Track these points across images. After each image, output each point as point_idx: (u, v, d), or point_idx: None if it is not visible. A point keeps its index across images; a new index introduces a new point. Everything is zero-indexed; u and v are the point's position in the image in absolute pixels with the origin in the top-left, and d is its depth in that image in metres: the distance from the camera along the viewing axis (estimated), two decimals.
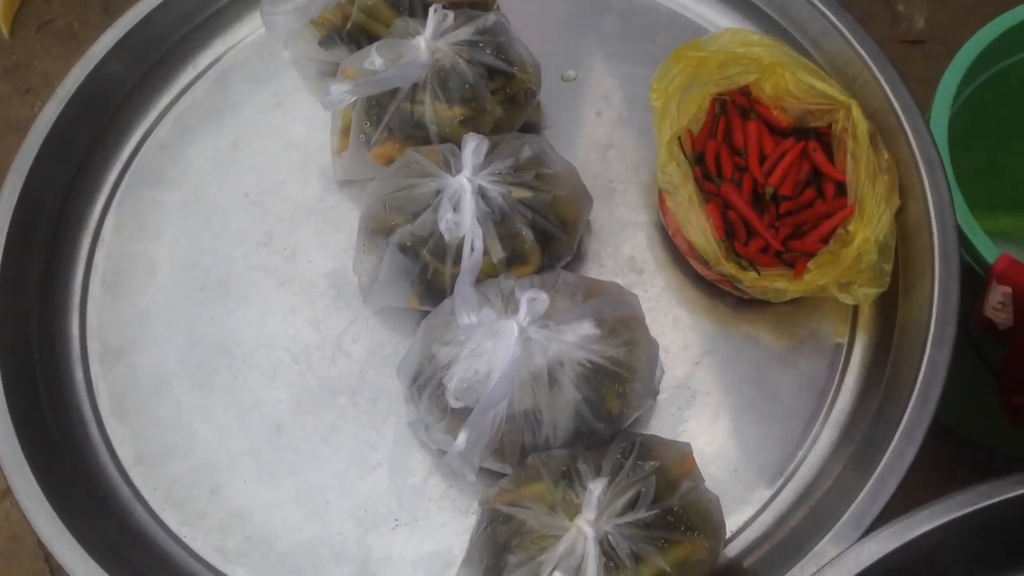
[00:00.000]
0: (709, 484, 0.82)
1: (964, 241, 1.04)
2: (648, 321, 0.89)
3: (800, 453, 0.85)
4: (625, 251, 0.95)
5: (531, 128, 1.01)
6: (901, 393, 0.82)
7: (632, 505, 0.73)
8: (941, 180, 0.89)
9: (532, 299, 0.78)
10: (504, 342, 0.76)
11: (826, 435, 0.86)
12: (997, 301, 1.02)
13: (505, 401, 0.75)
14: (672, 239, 0.93)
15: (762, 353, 0.90)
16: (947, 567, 0.74)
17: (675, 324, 0.92)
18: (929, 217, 0.87)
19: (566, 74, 1.05)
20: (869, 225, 0.87)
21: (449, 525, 0.84)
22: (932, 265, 0.86)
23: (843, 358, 0.89)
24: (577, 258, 0.94)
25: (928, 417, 0.79)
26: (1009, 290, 1.01)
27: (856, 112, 0.90)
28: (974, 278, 1.06)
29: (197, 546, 0.84)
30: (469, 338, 0.78)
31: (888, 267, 0.86)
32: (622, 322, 0.81)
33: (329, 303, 0.94)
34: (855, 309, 0.91)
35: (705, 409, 0.88)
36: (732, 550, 0.82)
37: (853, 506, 0.77)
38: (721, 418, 0.87)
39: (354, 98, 0.88)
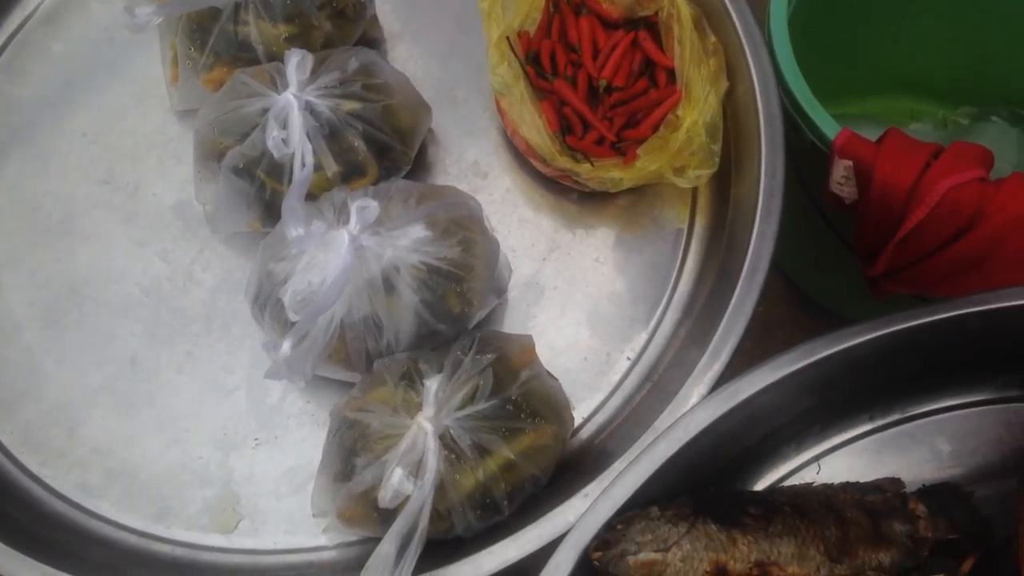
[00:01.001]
0: (560, 374, 0.84)
1: (807, 120, 1.06)
2: (494, 223, 0.91)
3: (645, 336, 0.88)
4: (469, 157, 0.96)
5: (371, 42, 1.01)
6: (734, 267, 0.84)
7: (471, 398, 0.75)
8: (765, 61, 0.90)
9: (362, 208, 0.78)
10: (335, 251, 0.77)
11: (670, 316, 0.89)
12: (840, 176, 1.05)
13: (335, 308, 0.76)
14: (511, 140, 0.94)
15: (607, 244, 0.92)
16: (780, 427, 0.77)
17: (521, 223, 0.93)
18: (755, 96, 0.89)
19: None
20: (696, 108, 0.88)
21: (308, 439, 0.85)
22: (759, 142, 0.88)
23: (684, 241, 0.92)
24: (422, 167, 0.95)
25: (757, 288, 0.82)
26: (851, 163, 1.03)
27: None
28: (821, 156, 1.09)
29: (59, 484, 0.85)
30: (303, 252, 0.78)
31: (717, 147, 0.88)
32: (456, 223, 0.82)
33: (176, 234, 0.94)
34: (694, 193, 0.94)
35: (553, 303, 0.90)
36: (585, 433, 0.85)
37: (689, 378, 0.79)
38: (569, 310, 0.89)
39: (160, 19, 0.87)
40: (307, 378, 0.77)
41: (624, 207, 0.94)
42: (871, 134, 1.45)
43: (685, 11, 0.91)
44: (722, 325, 0.80)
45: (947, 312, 0.73)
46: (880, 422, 0.78)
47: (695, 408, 0.73)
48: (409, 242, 0.79)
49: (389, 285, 0.78)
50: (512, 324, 0.89)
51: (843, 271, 1.20)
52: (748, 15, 0.92)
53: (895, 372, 0.76)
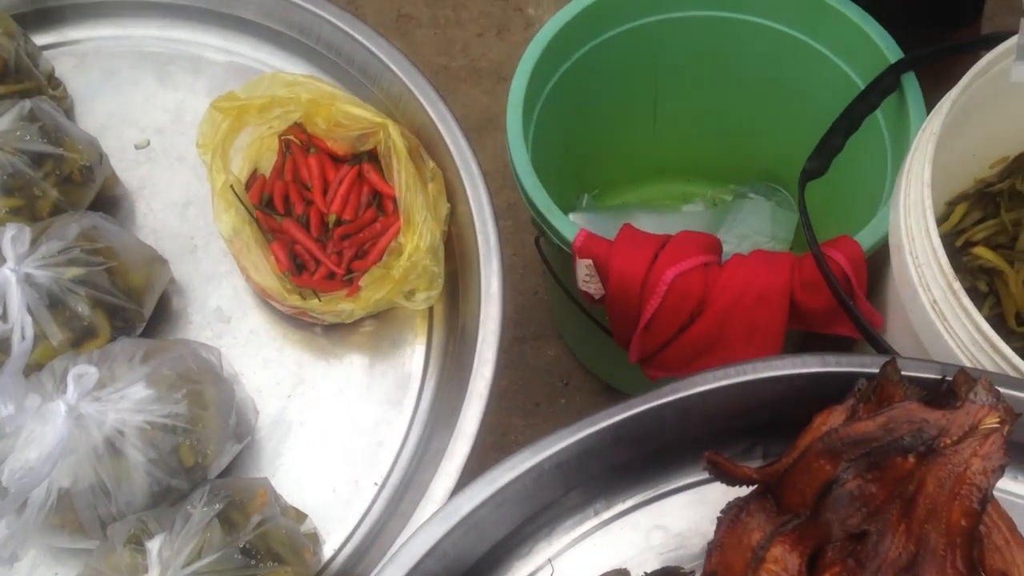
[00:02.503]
0: (310, 509, 0.85)
1: (549, 226, 1.12)
2: (239, 366, 0.93)
3: (390, 459, 0.90)
4: (212, 303, 0.98)
5: (111, 201, 1.03)
6: (464, 378, 0.88)
7: (199, 553, 0.76)
8: (479, 181, 0.95)
9: (79, 375, 0.79)
10: (51, 424, 0.77)
11: (414, 435, 0.91)
12: (585, 274, 1.11)
13: (53, 481, 0.76)
14: (248, 282, 0.97)
15: (354, 372, 0.95)
16: (508, 536, 0.80)
17: (266, 363, 0.95)
18: (472, 216, 0.94)
19: (138, 142, 1.07)
20: (416, 234, 0.92)
21: None
22: (478, 257, 0.92)
23: (424, 360, 0.95)
24: (165, 319, 0.96)
25: (481, 401, 0.85)
26: (591, 262, 1.10)
27: (393, 131, 0.96)
28: (568, 257, 1.15)
29: None
30: (21, 427, 0.79)
31: (439, 269, 0.92)
32: (183, 376, 0.83)
33: None
34: (431, 312, 0.97)
35: (301, 438, 0.91)
36: (337, 565, 0.86)
37: (423, 498, 0.82)
38: (317, 443, 0.91)
39: None
40: (17, 559, 0.76)
41: (369, 333, 0.97)
42: (647, 221, 1.54)
43: (399, 143, 0.96)
44: (450, 443, 0.83)
45: (643, 405, 0.78)
46: (605, 515, 0.82)
47: (418, 531, 0.75)
48: (131, 403, 0.80)
49: (114, 449, 0.79)
50: (260, 466, 0.90)
51: (621, 359, 1.26)
52: (461, 141, 0.97)
53: (610, 463, 0.80)
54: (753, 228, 1.43)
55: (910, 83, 1.16)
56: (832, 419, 0.71)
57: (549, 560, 0.82)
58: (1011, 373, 0.85)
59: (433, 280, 0.92)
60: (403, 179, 0.94)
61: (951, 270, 0.88)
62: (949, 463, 0.67)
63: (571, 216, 1.49)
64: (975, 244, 1.18)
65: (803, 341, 1.35)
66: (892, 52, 1.18)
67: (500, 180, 1.60)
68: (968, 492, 0.67)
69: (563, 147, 1.41)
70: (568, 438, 0.77)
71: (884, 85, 1.15)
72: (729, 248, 1.42)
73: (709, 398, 0.79)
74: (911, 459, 0.67)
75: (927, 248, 0.91)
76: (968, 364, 0.88)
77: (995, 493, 0.75)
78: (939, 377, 0.73)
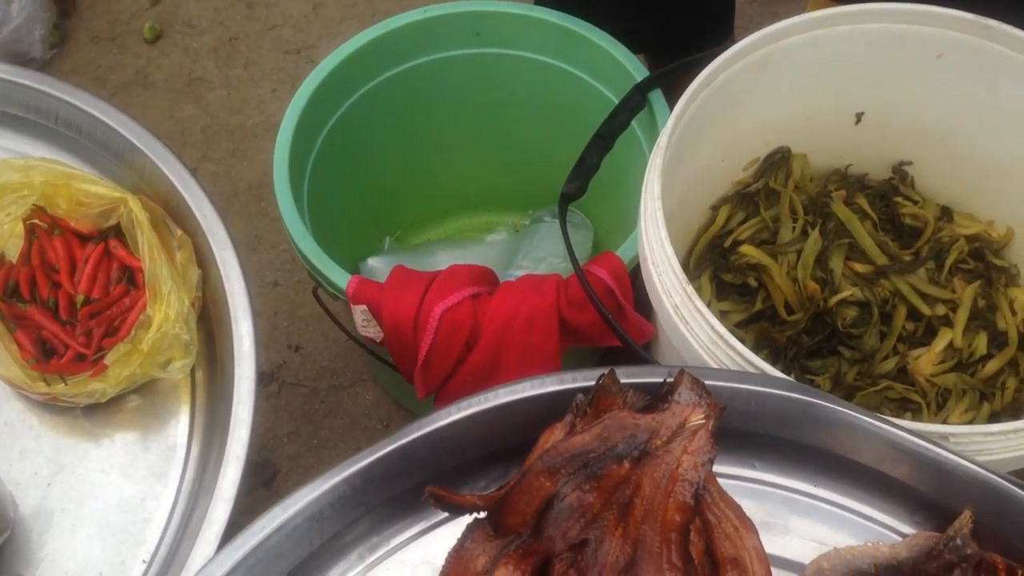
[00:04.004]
0: None
1: (322, 276, 1.13)
2: None
3: (157, 534, 0.89)
4: None
5: None
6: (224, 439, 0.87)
7: None
8: (227, 245, 0.95)
9: None
10: None
11: (180, 507, 0.90)
12: (362, 320, 1.12)
13: None
14: None
15: (115, 449, 0.93)
16: None
17: (22, 454, 0.93)
18: (221, 279, 0.94)
19: None
20: (164, 304, 0.92)
21: None
22: (229, 317, 0.92)
23: (189, 426, 0.94)
24: None
25: (242, 451, 0.85)
26: (365, 307, 1.11)
27: (133, 204, 0.95)
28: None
29: None
30: None
31: (191, 336, 0.92)
32: None
33: None
34: (193, 378, 0.97)
35: (64, 526, 0.89)
36: None
37: (186, 563, 0.81)
38: (80, 528, 0.89)
39: None
40: None
41: (134, 409, 0.95)
42: (451, 255, 1.56)
43: (141, 215, 0.95)
44: (208, 510, 0.83)
45: (389, 446, 0.79)
46: (370, 558, 0.82)
47: None
48: None
49: None
50: (22, 558, 0.87)
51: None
52: (207, 206, 0.97)
53: (367, 506, 0.81)
54: (548, 251, 1.47)
55: (657, 100, 1.22)
56: (554, 436, 0.73)
57: None
58: (749, 369, 0.90)
59: (186, 348, 0.91)
60: (147, 251, 0.94)
61: (683, 275, 0.93)
62: (662, 463, 0.70)
63: (371, 260, 1.50)
64: (742, 243, 1.23)
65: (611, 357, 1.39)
66: (638, 72, 1.24)
67: None
68: (681, 488, 0.70)
69: (353, 195, 1.43)
70: (317, 489, 0.77)
71: (632, 104, 1.20)
72: (528, 271, 1.46)
73: (455, 429, 0.81)
74: (626, 465, 0.70)
75: (663, 256, 0.95)
76: (712, 363, 0.92)
77: (730, 482, 0.79)
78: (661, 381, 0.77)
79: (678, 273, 0.93)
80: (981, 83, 1.09)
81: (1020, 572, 0.70)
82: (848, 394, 1.16)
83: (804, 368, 1.18)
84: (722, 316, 1.22)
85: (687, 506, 0.69)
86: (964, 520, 0.74)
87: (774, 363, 1.18)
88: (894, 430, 0.78)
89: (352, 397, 1.49)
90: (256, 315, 0.92)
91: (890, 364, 1.16)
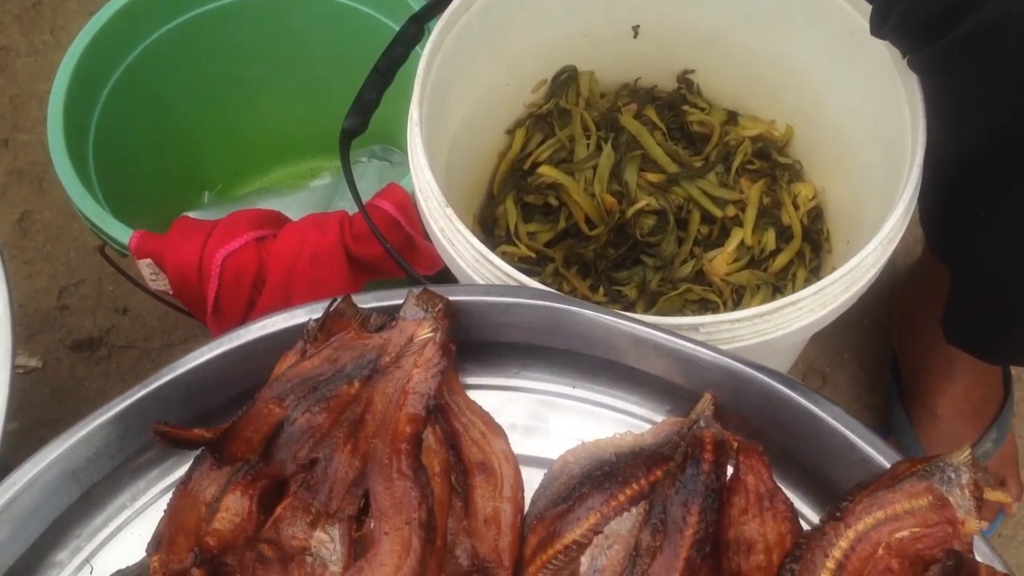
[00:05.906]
0: None
1: (105, 234, 1.11)
2: None
3: None
4: None
5: None
6: None
7: None
8: None
9: None
10: None
11: None
12: (150, 273, 1.11)
13: None
14: None
15: None
16: None
17: None
18: None
19: None
20: None
21: None
22: None
23: None
24: None
25: None
26: (151, 260, 1.10)
27: None
28: None
29: None
30: None
31: None
32: None
33: None
34: None
35: None
36: None
37: None
38: None
39: None
40: None
41: None
42: (273, 204, 1.54)
43: None
44: None
45: (142, 391, 0.79)
46: (135, 505, 0.83)
47: None
48: None
49: None
50: None
51: None
52: None
53: (127, 455, 0.81)
54: (365, 190, 1.46)
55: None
56: (286, 363, 0.74)
57: (86, 560, 0.82)
58: (510, 282, 0.92)
59: None
60: None
61: (442, 197, 0.94)
62: (393, 379, 0.72)
63: (189, 215, 1.48)
64: (541, 163, 1.25)
65: None
66: (417, 2, 1.24)
67: None
68: (412, 401, 0.71)
69: (156, 149, 1.40)
70: (67, 441, 0.77)
71: (409, 35, 1.19)
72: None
73: (208, 369, 0.81)
74: (356, 384, 0.72)
75: (425, 182, 0.96)
76: (480, 280, 0.94)
77: (492, 392, 0.80)
78: None
79: (437, 197, 0.94)
80: None
81: (756, 452, 0.72)
82: (652, 300, 1.19)
83: (612, 280, 1.21)
84: (530, 236, 1.24)
85: (418, 417, 0.71)
86: (704, 403, 0.77)
87: (584, 278, 1.21)
88: (635, 325, 0.80)
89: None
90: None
91: (688, 268, 1.19)
